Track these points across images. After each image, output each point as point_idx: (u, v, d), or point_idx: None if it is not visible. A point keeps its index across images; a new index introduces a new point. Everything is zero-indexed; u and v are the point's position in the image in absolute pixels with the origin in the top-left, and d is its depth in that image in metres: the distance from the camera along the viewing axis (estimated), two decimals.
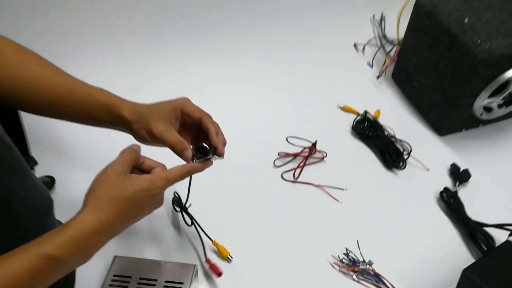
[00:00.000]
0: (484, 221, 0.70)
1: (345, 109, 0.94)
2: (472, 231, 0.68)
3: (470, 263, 0.55)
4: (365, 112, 0.90)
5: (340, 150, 0.85)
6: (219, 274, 0.63)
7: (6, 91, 0.52)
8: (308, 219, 0.73)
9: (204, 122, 0.56)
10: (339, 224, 0.72)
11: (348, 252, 0.66)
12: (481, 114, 0.85)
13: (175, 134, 0.55)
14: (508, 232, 0.65)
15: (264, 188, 0.77)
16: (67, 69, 0.56)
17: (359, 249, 0.66)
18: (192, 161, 0.54)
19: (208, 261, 0.64)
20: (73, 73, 0.56)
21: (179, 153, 0.54)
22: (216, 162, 0.56)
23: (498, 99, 0.82)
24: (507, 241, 0.56)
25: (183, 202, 0.68)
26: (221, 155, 0.56)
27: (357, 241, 0.67)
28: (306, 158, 0.81)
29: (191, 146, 0.55)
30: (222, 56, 1.02)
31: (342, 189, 0.77)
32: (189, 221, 0.68)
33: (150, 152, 0.54)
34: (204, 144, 0.56)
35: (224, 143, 0.57)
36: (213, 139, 0.55)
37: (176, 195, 0.70)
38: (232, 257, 0.65)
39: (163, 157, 0.54)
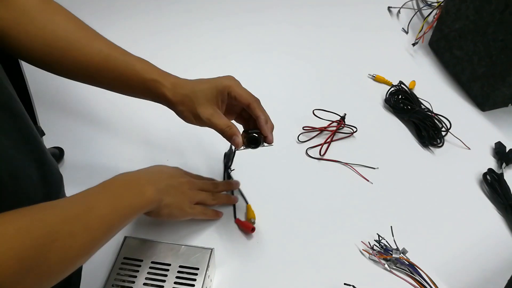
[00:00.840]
0: None
1: (377, 79, 0.85)
2: None
3: None
4: (400, 82, 0.81)
5: (371, 125, 0.77)
6: (253, 229, 0.60)
7: (33, 51, 0.49)
8: (335, 200, 0.66)
9: (252, 109, 0.54)
10: (370, 207, 0.65)
11: (380, 238, 0.59)
12: None
13: (224, 119, 0.53)
14: None
15: (287, 165, 0.71)
16: None
17: (393, 235, 0.60)
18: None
19: (238, 220, 0.62)
20: None
21: (228, 138, 0.53)
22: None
23: None
24: None
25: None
26: (270, 143, 0.56)
27: (391, 226, 0.60)
28: (334, 133, 0.74)
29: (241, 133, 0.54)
30: (240, 18, 0.94)
31: (374, 168, 0.70)
32: None
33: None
34: (255, 134, 0.55)
35: (272, 129, 0.56)
36: (263, 129, 0.54)
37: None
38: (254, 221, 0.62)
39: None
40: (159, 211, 0.54)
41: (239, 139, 0.53)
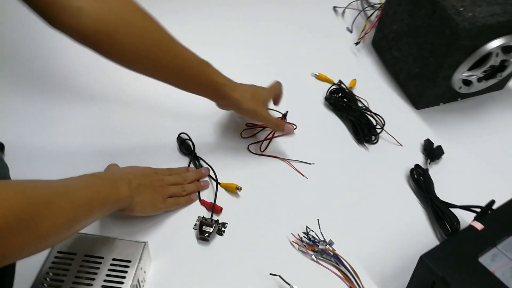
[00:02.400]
0: (454, 201, 0.67)
1: (320, 77, 0.89)
2: (439, 212, 0.65)
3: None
4: (340, 81, 0.85)
5: (311, 122, 0.81)
6: (221, 210, 0.66)
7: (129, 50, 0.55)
8: (271, 194, 0.69)
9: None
10: (303, 201, 0.69)
11: (308, 230, 0.63)
12: (460, 88, 0.81)
13: (275, 117, 0.76)
14: (474, 215, 0.62)
15: (229, 160, 0.74)
16: None
17: (320, 228, 0.63)
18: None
19: (203, 201, 0.67)
20: None
21: (281, 130, 0.73)
22: None
23: (478, 72, 0.78)
24: (470, 226, 0.53)
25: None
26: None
27: (318, 219, 0.64)
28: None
29: None
30: (185, 14, 0.95)
31: (310, 164, 0.74)
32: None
33: None
34: None
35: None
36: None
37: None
38: (240, 187, 0.68)
39: None
40: (132, 208, 0.58)
41: (290, 127, 0.75)
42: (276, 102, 0.78)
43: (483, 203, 0.62)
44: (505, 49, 0.75)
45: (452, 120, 0.84)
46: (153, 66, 0.59)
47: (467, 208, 0.63)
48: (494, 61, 0.76)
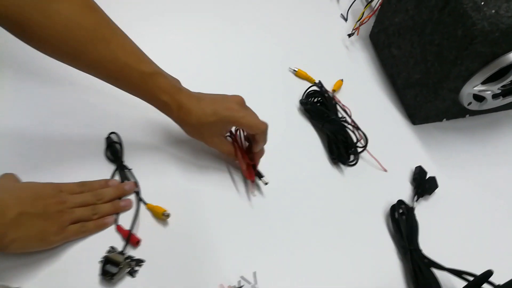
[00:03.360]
0: (443, 256, 0.52)
1: (299, 74, 0.72)
2: (418, 271, 0.50)
3: None
4: (319, 82, 0.68)
5: (278, 131, 0.64)
6: (137, 242, 0.51)
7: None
8: (208, 225, 0.54)
9: (256, 139, 0.55)
10: (246, 239, 0.54)
11: (241, 285, 0.48)
12: (469, 104, 0.64)
13: (227, 145, 0.57)
14: (465, 283, 0.47)
15: (164, 175, 0.58)
16: None
17: (256, 283, 0.49)
18: None
19: (119, 227, 0.53)
20: None
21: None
22: None
23: (495, 88, 0.61)
24: None
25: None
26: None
27: (254, 273, 0.49)
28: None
29: None
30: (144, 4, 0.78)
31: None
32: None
33: None
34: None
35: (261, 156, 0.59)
36: (256, 159, 0.58)
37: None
38: (168, 214, 0.53)
39: None
40: (3, 248, 0.44)
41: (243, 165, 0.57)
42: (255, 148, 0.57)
43: (481, 266, 0.47)
44: None
45: (455, 143, 0.68)
46: (81, 66, 0.49)
47: (456, 273, 0.48)
48: None
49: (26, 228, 0.45)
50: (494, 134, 0.70)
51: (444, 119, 0.69)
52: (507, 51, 0.56)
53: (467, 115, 0.70)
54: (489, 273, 0.44)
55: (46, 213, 0.47)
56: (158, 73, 0.52)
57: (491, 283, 0.45)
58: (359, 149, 0.63)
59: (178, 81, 0.55)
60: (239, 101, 0.54)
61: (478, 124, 0.70)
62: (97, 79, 0.51)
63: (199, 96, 0.54)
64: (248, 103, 0.57)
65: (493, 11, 0.53)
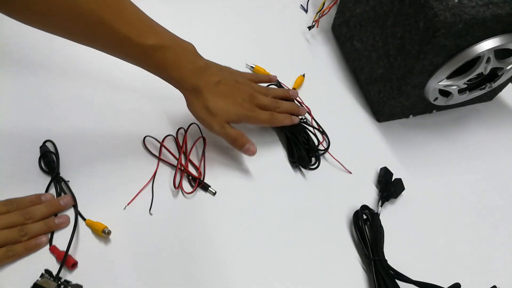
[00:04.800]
0: (409, 265, 0.49)
1: (256, 71, 0.67)
2: (382, 283, 0.46)
3: None
4: (277, 81, 0.64)
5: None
6: (73, 264, 0.46)
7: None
8: (152, 241, 0.49)
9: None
10: (199, 248, 0.49)
11: None
12: (436, 99, 0.61)
13: (234, 129, 0.53)
14: None
15: (106, 184, 0.53)
16: None
17: None
18: None
19: (53, 248, 0.47)
20: None
21: (240, 147, 0.53)
22: None
23: (461, 82, 0.58)
24: None
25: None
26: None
27: None
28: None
29: None
30: None
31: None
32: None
33: None
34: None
35: None
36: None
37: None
38: (109, 231, 0.48)
39: None
40: None
41: (253, 147, 0.53)
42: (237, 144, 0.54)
43: (449, 277, 0.44)
44: (499, 53, 0.55)
45: (422, 140, 0.64)
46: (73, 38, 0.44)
47: (422, 286, 0.44)
48: (483, 68, 0.56)
49: None
50: (462, 129, 0.67)
51: (411, 116, 0.66)
52: (472, 44, 0.53)
53: (434, 111, 0.66)
54: (456, 286, 0.41)
55: None
56: (163, 46, 0.47)
57: None
58: (321, 152, 0.59)
59: (191, 50, 0.51)
60: (250, 95, 0.54)
61: (445, 119, 0.67)
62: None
63: (214, 81, 0.51)
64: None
65: (456, 0, 0.49)
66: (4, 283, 0.44)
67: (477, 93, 0.62)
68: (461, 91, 0.60)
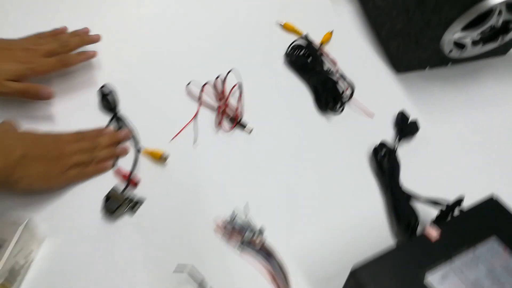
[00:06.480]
0: (421, 191, 0.56)
1: (286, 27, 0.74)
2: (397, 205, 0.54)
3: (367, 258, 0.42)
4: (305, 35, 0.70)
5: (264, 82, 0.67)
6: (137, 183, 0.55)
7: None
8: (203, 166, 0.58)
9: None
10: (239, 178, 0.57)
11: (234, 215, 0.52)
12: (450, 51, 0.67)
13: (19, 84, 0.54)
14: (438, 210, 0.51)
15: (159, 122, 0.61)
16: None
17: (248, 213, 0.52)
18: None
19: (118, 170, 0.56)
20: None
21: (34, 97, 0.56)
22: None
23: (474, 34, 0.63)
24: (422, 236, 0.42)
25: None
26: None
27: (247, 203, 0.53)
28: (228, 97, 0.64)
29: None
30: None
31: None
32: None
33: None
34: None
35: None
36: None
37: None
38: (167, 156, 0.57)
39: None
40: (11, 185, 0.47)
41: (47, 89, 0.55)
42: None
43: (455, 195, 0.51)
44: (510, 6, 0.60)
45: (437, 90, 0.71)
46: None
47: (431, 202, 0.52)
48: (495, 20, 0.61)
49: (29, 168, 0.48)
50: (475, 81, 0.73)
51: (427, 68, 0.72)
52: None
53: (449, 64, 0.72)
54: (460, 200, 0.48)
55: (47, 157, 0.50)
56: None
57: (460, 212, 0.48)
58: (346, 98, 0.66)
59: None
60: (26, 49, 0.56)
61: (460, 72, 0.73)
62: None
63: None
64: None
65: None
66: (83, 198, 0.53)
67: (490, 46, 0.68)
68: (474, 43, 0.66)
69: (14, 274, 0.46)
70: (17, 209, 0.51)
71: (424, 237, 0.41)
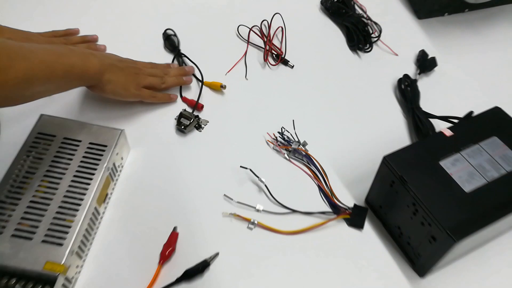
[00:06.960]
0: (437, 113, 0.67)
1: None
2: (418, 121, 0.64)
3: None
4: None
5: (303, 26, 0.78)
6: (202, 107, 0.67)
7: None
8: (254, 94, 0.69)
9: None
10: (283, 102, 0.69)
11: (283, 131, 0.64)
12: None
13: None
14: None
15: (216, 60, 0.73)
16: None
17: (294, 128, 0.64)
18: None
19: (184, 98, 0.67)
20: None
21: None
22: None
23: None
24: (439, 132, 0.53)
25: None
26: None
27: (293, 120, 0.64)
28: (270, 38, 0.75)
29: None
30: None
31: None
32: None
33: None
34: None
35: None
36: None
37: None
38: (225, 86, 0.68)
39: None
40: (102, 86, 0.59)
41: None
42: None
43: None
44: None
45: (454, 33, 0.80)
46: None
47: (445, 118, 0.62)
48: None
49: (115, 75, 0.59)
50: (487, 26, 0.82)
51: (446, 14, 0.81)
52: None
53: (467, 10, 0.81)
54: (470, 113, 0.59)
55: (127, 72, 0.62)
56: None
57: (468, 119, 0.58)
58: (374, 38, 0.76)
59: None
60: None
61: (476, 17, 0.82)
62: None
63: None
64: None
65: None
66: (160, 117, 0.65)
67: None
68: None
69: (114, 171, 0.59)
70: (111, 122, 0.64)
71: (440, 133, 0.52)
